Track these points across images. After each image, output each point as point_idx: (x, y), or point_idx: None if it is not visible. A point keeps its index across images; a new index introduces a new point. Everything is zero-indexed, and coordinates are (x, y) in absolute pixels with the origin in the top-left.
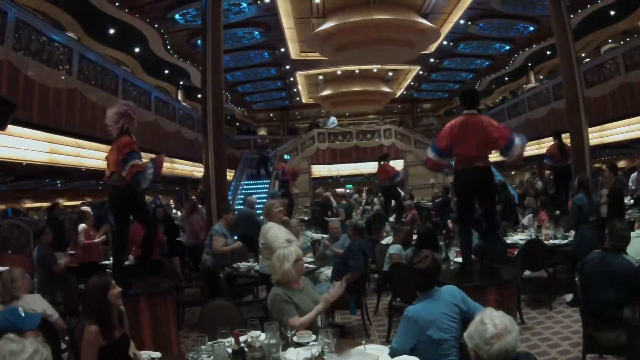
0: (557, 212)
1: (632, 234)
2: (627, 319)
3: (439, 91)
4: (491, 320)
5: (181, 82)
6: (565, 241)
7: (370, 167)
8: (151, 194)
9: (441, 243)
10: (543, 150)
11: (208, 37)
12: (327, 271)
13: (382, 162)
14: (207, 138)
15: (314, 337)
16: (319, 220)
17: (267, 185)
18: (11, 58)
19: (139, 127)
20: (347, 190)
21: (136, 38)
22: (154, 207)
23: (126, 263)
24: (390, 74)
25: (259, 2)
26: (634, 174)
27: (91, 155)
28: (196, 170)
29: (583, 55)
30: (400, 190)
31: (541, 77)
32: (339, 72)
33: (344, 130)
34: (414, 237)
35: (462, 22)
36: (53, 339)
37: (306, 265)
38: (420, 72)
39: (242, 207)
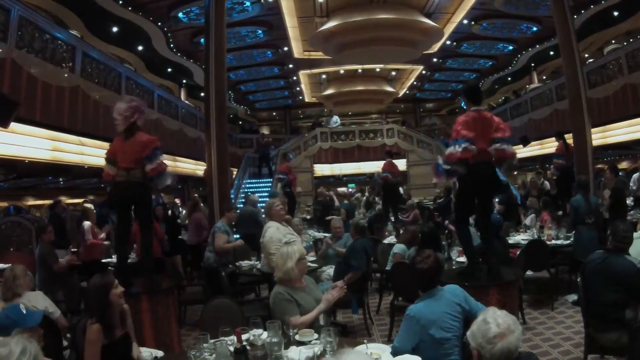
0: (560, 213)
1: (635, 234)
2: (629, 320)
3: (442, 91)
4: (494, 320)
5: (184, 81)
6: (567, 242)
7: (372, 167)
8: (155, 193)
9: (443, 243)
10: (546, 151)
11: (211, 36)
12: (329, 270)
13: (392, 158)
14: (210, 136)
15: (315, 335)
16: (321, 219)
17: (270, 184)
18: (14, 56)
19: (142, 126)
20: (350, 190)
21: (139, 36)
22: (154, 205)
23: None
24: (393, 73)
25: (262, 1)
26: (636, 175)
27: (94, 153)
28: (198, 168)
29: (586, 55)
30: (400, 189)
31: (544, 77)
32: (341, 72)
33: (347, 129)
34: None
35: (465, 22)
36: (54, 337)
37: (308, 264)
38: (423, 72)
39: (243, 205)
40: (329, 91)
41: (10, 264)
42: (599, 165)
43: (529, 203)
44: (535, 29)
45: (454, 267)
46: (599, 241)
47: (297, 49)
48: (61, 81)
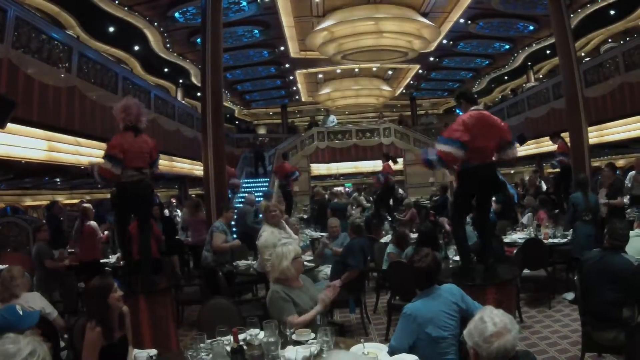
0: (557, 211)
1: (631, 233)
2: (626, 318)
3: (438, 90)
4: (491, 319)
5: (181, 81)
6: (564, 240)
7: (369, 166)
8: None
9: (440, 242)
10: (542, 149)
11: (208, 36)
12: (326, 269)
13: (388, 160)
14: (207, 136)
15: (312, 335)
16: (317, 218)
17: (267, 184)
18: (11, 56)
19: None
20: (347, 189)
21: (136, 36)
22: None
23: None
24: (390, 72)
25: (258, 0)
26: (632, 173)
27: (90, 153)
28: (195, 168)
29: (583, 54)
30: (401, 190)
31: (541, 76)
32: (338, 71)
33: (344, 129)
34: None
35: (461, 21)
36: (52, 337)
37: (305, 263)
38: (420, 71)
39: (240, 205)
40: (326, 90)
41: (7, 265)
42: (596, 164)
43: (526, 202)
44: (531, 27)
45: (450, 266)
46: (596, 239)
47: (293, 49)
48: (58, 81)
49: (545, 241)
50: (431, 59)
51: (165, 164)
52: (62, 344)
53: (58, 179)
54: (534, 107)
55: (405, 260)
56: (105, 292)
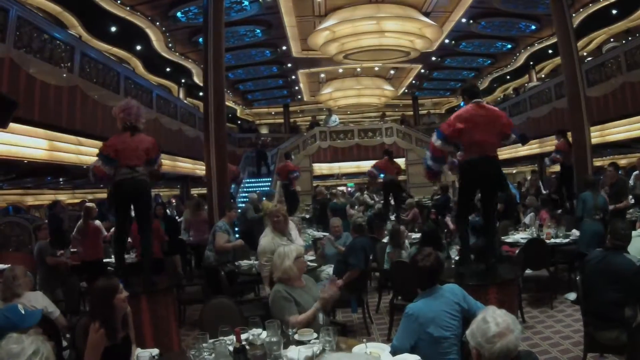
0: (559, 211)
1: (634, 233)
2: (628, 318)
3: (440, 89)
4: (494, 319)
5: (183, 80)
6: (567, 240)
7: (372, 165)
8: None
9: (443, 241)
10: (545, 149)
11: (210, 35)
12: (329, 269)
13: (388, 156)
14: (209, 136)
15: (315, 335)
16: (320, 218)
17: (269, 183)
18: (12, 55)
19: (143, 128)
20: (349, 189)
21: (138, 36)
22: (154, 204)
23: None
24: (392, 72)
25: (260, 0)
26: (636, 172)
27: (92, 153)
28: (197, 168)
29: (585, 54)
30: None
31: (543, 75)
32: (340, 70)
33: (346, 128)
34: (410, 234)
35: (463, 20)
36: (54, 337)
37: (308, 263)
38: (422, 71)
39: (244, 204)
40: (328, 90)
41: (9, 264)
42: (598, 164)
43: (528, 202)
44: (533, 27)
45: (453, 266)
46: (603, 238)
47: (295, 48)
48: (60, 81)
49: (547, 241)
50: (433, 58)
51: (167, 163)
52: (64, 343)
53: (60, 179)
54: (536, 107)
55: (408, 260)
56: (111, 293)
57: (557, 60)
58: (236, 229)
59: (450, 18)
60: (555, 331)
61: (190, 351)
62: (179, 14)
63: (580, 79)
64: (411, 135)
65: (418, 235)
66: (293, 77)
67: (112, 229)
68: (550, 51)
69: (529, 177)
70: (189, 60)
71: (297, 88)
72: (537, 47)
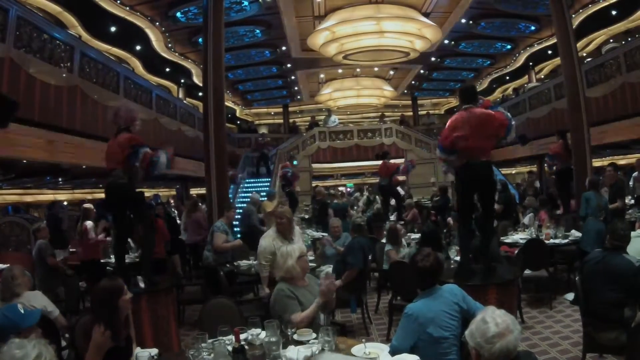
0: (558, 212)
1: (633, 233)
2: (627, 319)
3: (440, 90)
4: (493, 320)
5: (182, 80)
6: (566, 240)
7: (371, 166)
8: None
9: (443, 242)
10: (544, 150)
11: (209, 35)
12: (328, 269)
13: (384, 159)
14: (208, 136)
15: (314, 335)
16: (319, 218)
17: (268, 184)
18: (13, 55)
19: (136, 131)
20: (348, 189)
21: (137, 36)
22: (155, 204)
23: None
24: (392, 72)
25: (260, 0)
26: (635, 174)
27: (92, 154)
28: (197, 168)
29: (584, 55)
30: (400, 189)
31: (542, 76)
32: (340, 71)
33: (345, 129)
34: (410, 235)
35: (463, 21)
36: (53, 337)
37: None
38: (422, 71)
39: (244, 204)
40: (327, 90)
41: (8, 264)
42: (597, 164)
43: (527, 202)
44: (533, 28)
45: (452, 267)
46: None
47: (295, 49)
48: (59, 81)
49: (546, 242)
50: (433, 59)
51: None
52: (64, 343)
53: (60, 179)
54: (535, 108)
55: (405, 257)
56: (116, 295)
57: (557, 60)
58: (237, 229)
59: (450, 19)
60: (554, 331)
61: (189, 351)
62: (178, 14)
63: (580, 80)
64: (410, 136)
65: (418, 235)
66: (292, 77)
67: (101, 229)
68: (549, 52)
69: (524, 178)
70: (188, 61)
71: (296, 88)
72: (536, 47)
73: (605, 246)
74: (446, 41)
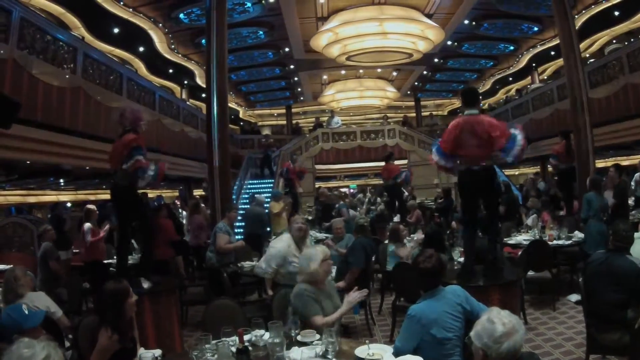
0: (562, 213)
1: (636, 234)
2: (630, 320)
3: (443, 91)
4: (500, 319)
5: (185, 82)
6: (569, 242)
7: (374, 167)
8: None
9: (446, 243)
10: (547, 151)
11: (212, 37)
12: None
13: (388, 161)
14: (212, 137)
15: (317, 336)
16: (322, 219)
17: (271, 185)
18: (16, 56)
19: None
20: (351, 190)
21: (140, 37)
22: (156, 205)
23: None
24: (395, 73)
25: (263, 1)
26: (637, 175)
27: (94, 155)
28: (200, 169)
29: (587, 55)
30: (403, 190)
31: (545, 77)
32: (343, 72)
33: (348, 130)
34: (412, 236)
35: (466, 22)
36: (56, 337)
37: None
38: (425, 72)
39: (247, 206)
40: (330, 92)
41: (11, 265)
42: (600, 165)
43: (530, 203)
44: (536, 29)
45: (455, 268)
46: (607, 236)
47: (298, 50)
48: (62, 82)
49: (550, 243)
50: (436, 60)
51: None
52: (67, 343)
53: (62, 180)
54: (538, 108)
55: (410, 261)
56: (122, 297)
57: (560, 61)
58: (240, 229)
59: (453, 20)
60: (557, 333)
61: (192, 352)
62: (181, 16)
63: (583, 81)
64: (413, 137)
65: (421, 236)
66: (295, 78)
67: (105, 228)
68: (552, 53)
69: (527, 179)
70: (191, 62)
71: (299, 90)
72: (539, 48)
73: (608, 247)
74: (449, 42)
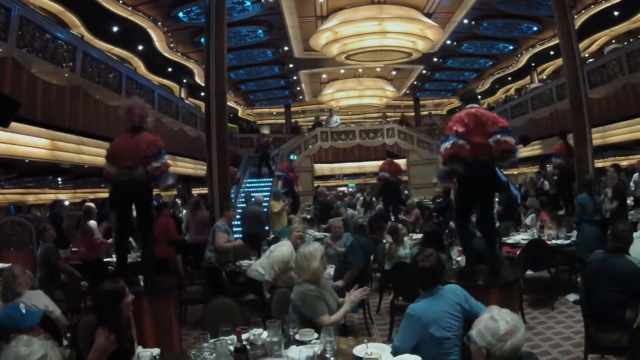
0: (561, 212)
1: (635, 234)
2: (629, 320)
3: (442, 90)
4: (502, 318)
5: (184, 80)
6: (568, 241)
7: (373, 166)
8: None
9: (445, 243)
10: (546, 150)
11: (212, 35)
12: (330, 270)
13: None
14: (210, 136)
15: (315, 335)
16: (321, 218)
17: (270, 184)
18: (15, 55)
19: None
20: (350, 189)
21: (140, 36)
22: (155, 205)
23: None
24: (394, 73)
25: (262, 0)
26: (636, 175)
27: (94, 153)
28: (199, 168)
29: (586, 55)
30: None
31: (544, 77)
32: (342, 71)
33: (347, 129)
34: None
35: (465, 21)
36: (55, 336)
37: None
38: (424, 72)
39: (244, 205)
40: (330, 90)
41: (9, 264)
42: (599, 165)
43: (528, 203)
44: (535, 28)
45: (454, 267)
46: (602, 240)
47: (297, 49)
48: (62, 81)
49: (548, 242)
50: (435, 59)
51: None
52: (65, 342)
53: (60, 178)
54: (537, 108)
55: (406, 257)
56: (118, 297)
57: (559, 61)
58: (239, 228)
59: (452, 19)
60: (556, 332)
61: (191, 351)
62: (180, 14)
63: (582, 81)
64: (412, 136)
65: (420, 235)
66: (295, 77)
67: (102, 230)
68: (551, 52)
69: (527, 178)
70: (190, 61)
71: (298, 89)
72: (538, 48)
73: (607, 247)
74: (448, 42)
